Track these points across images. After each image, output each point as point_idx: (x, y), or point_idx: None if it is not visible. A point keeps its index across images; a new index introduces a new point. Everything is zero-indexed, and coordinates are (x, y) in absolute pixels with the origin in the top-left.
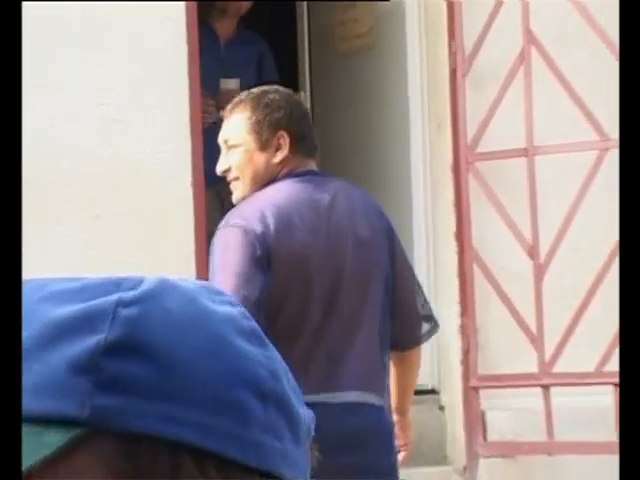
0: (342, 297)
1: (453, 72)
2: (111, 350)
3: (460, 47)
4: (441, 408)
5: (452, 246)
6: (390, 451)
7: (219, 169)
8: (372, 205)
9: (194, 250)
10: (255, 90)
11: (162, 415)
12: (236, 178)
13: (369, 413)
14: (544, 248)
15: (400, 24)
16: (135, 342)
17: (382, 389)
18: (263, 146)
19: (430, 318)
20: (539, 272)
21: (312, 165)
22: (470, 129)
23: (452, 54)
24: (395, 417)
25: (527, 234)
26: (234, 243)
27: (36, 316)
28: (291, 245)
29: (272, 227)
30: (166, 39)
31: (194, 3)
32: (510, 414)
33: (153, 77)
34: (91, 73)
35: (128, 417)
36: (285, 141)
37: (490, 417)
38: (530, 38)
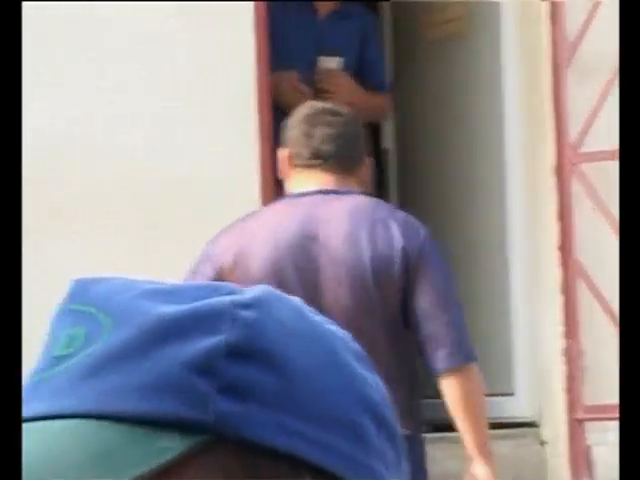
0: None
1: (555, 64)
2: (232, 353)
3: (563, 35)
4: (542, 443)
5: (554, 259)
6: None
7: None
8: (382, 225)
9: None
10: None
11: (285, 427)
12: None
13: None
14: None
15: (494, 9)
16: (255, 347)
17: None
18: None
19: (459, 348)
20: None
21: (318, 180)
22: (574, 127)
23: (553, 43)
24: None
25: None
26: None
27: (139, 312)
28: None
29: (230, 259)
30: (232, 38)
31: (262, 7)
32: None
33: (218, 78)
34: (155, 76)
35: (252, 426)
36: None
37: (597, 453)
38: None
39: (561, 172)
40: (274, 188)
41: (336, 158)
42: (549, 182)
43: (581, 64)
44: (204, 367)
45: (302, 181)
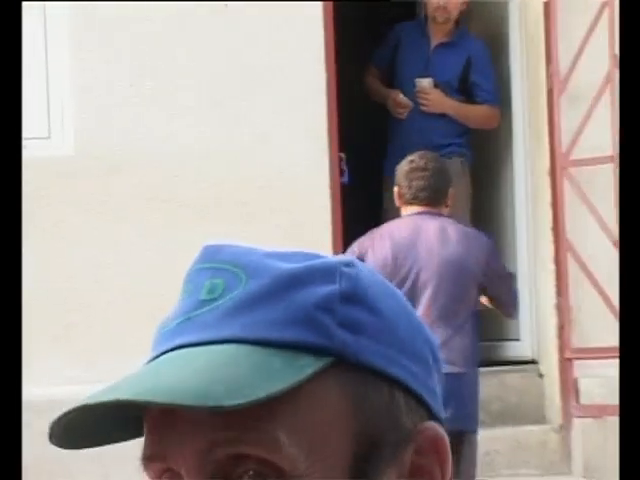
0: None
1: (550, 91)
2: (344, 298)
3: (556, 70)
4: (540, 376)
5: (549, 238)
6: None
7: None
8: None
9: (331, 244)
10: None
11: (386, 356)
12: None
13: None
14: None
15: (505, 49)
16: (359, 294)
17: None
18: None
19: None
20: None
21: (415, 209)
22: (565, 140)
23: (549, 76)
24: None
25: (614, 228)
26: None
27: (267, 268)
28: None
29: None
30: (305, 50)
31: (330, 7)
32: (600, 381)
33: (294, 92)
34: (248, 95)
35: (363, 353)
36: (397, 194)
37: (582, 384)
38: (615, 62)
39: (554, 174)
40: (340, 192)
41: (426, 198)
42: (546, 180)
43: (571, 91)
44: (326, 307)
45: (407, 209)
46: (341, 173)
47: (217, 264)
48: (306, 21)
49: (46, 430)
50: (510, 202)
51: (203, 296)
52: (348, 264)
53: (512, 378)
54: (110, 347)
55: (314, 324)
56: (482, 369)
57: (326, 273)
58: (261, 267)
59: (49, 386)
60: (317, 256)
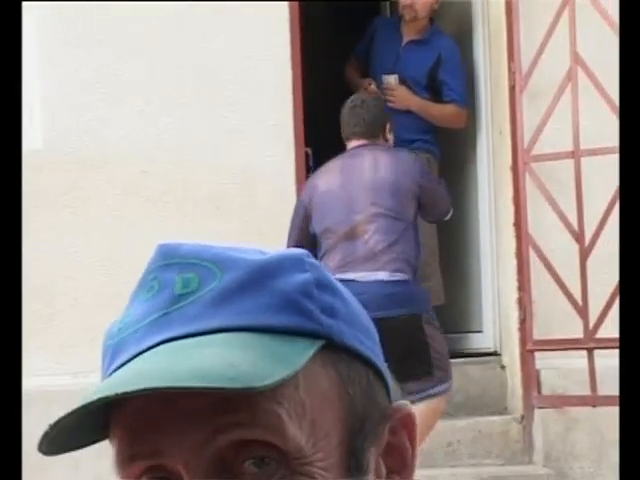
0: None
1: (512, 88)
2: (318, 285)
3: (518, 67)
4: (502, 367)
5: (511, 232)
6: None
7: None
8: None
9: None
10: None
11: (358, 339)
12: None
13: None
14: (588, 234)
15: (468, 47)
16: (327, 282)
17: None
18: None
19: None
20: (584, 254)
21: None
22: (526, 135)
23: (511, 73)
24: None
25: (574, 223)
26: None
27: (237, 260)
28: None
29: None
30: (271, 47)
31: (296, 7)
32: (560, 372)
33: (260, 89)
34: (215, 91)
35: (346, 336)
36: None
37: (543, 375)
38: (577, 59)
39: (516, 169)
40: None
41: (361, 132)
42: (508, 176)
43: (532, 88)
44: (306, 293)
45: (348, 145)
46: (307, 169)
47: (182, 260)
48: (272, 20)
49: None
50: (474, 197)
51: (179, 290)
52: (308, 255)
53: (474, 370)
54: (80, 341)
55: (300, 309)
56: None
57: (295, 262)
58: (231, 260)
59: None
60: (271, 250)
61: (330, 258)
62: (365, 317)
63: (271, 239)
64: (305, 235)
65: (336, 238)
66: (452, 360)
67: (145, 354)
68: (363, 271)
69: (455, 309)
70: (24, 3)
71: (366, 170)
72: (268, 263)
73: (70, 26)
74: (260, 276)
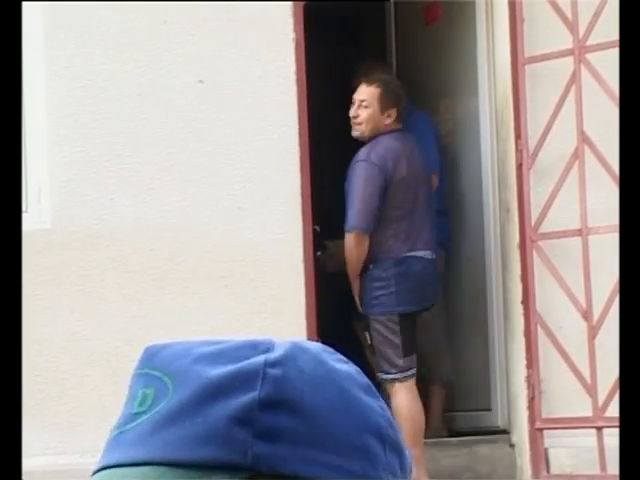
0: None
1: (519, 166)
2: (264, 405)
3: (525, 145)
4: (511, 446)
5: (519, 310)
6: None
7: (352, 113)
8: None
9: (305, 314)
10: (383, 76)
11: (310, 460)
12: (359, 124)
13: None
14: (597, 312)
15: (475, 126)
16: (283, 398)
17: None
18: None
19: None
20: (592, 332)
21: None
22: (534, 213)
23: (518, 151)
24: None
25: (582, 300)
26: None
27: (192, 376)
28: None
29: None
30: (280, 133)
31: (303, 70)
32: (570, 451)
33: (268, 165)
34: (223, 169)
35: (282, 462)
36: (393, 113)
37: (552, 454)
38: (584, 138)
39: (524, 247)
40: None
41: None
42: (515, 253)
43: (539, 166)
44: (242, 419)
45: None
46: (315, 247)
47: (151, 370)
48: (281, 97)
49: None
50: (482, 275)
51: (135, 409)
52: (276, 362)
53: (483, 448)
54: (87, 420)
55: (228, 440)
56: (453, 439)
57: (248, 378)
58: (187, 375)
59: (25, 457)
60: (252, 347)
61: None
62: (346, 423)
63: (280, 317)
64: (380, 205)
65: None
66: (461, 438)
67: (94, 477)
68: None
69: (464, 387)
70: (32, 79)
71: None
72: (217, 382)
73: (78, 108)
74: (204, 398)
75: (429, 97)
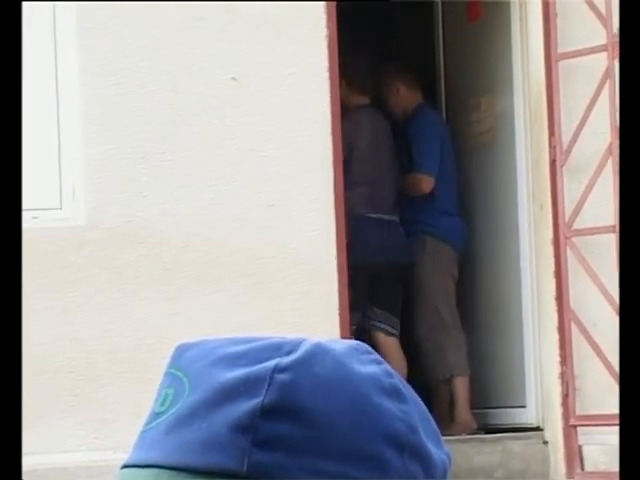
0: None
1: (553, 162)
2: (266, 413)
3: (558, 142)
4: (545, 443)
5: (553, 307)
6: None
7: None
8: None
9: (338, 312)
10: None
11: (307, 468)
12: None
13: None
14: None
15: (510, 123)
16: (287, 405)
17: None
18: None
19: None
20: None
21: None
22: (567, 209)
23: (552, 148)
24: None
25: (616, 297)
26: None
27: (206, 379)
28: None
29: None
30: (314, 129)
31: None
32: (603, 448)
33: (304, 171)
34: (255, 166)
35: (280, 472)
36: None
37: (586, 450)
38: (617, 134)
39: (557, 243)
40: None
41: None
42: (549, 250)
43: (572, 162)
44: (244, 426)
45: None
46: (348, 243)
47: (175, 370)
48: (312, 103)
49: None
50: (515, 272)
51: (157, 408)
52: (287, 367)
53: (517, 445)
54: (118, 415)
55: (227, 447)
56: (486, 436)
57: (255, 384)
58: (202, 378)
59: (60, 453)
60: (277, 349)
61: None
62: (355, 430)
63: (313, 314)
64: None
65: None
66: (494, 435)
67: (117, 474)
68: None
69: (497, 384)
70: (66, 77)
71: None
72: (227, 387)
73: (111, 105)
74: (211, 402)
75: (471, 94)
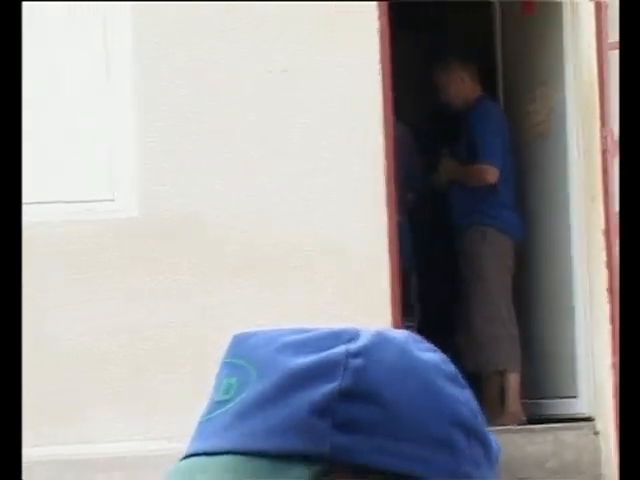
0: None
1: (604, 152)
2: (344, 396)
3: (610, 132)
4: (596, 433)
5: (605, 297)
6: None
7: None
8: None
9: (389, 303)
10: None
11: (387, 450)
12: None
13: None
14: None
15: (562, 113)
16: (363, 389)
17: None
18: None
19: None
20: None
21: None
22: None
23: (603, 138)
24: None
25: None
26: None
27: (276, 365)
28: None
29: None
30: (360, 110)
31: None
32: None
33: (355, 162)
34: (306, 157)
35: (362, 453)
36: None
37: None
38: None
39: (609, 234)
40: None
41: None
42: (601, 241)
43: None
44: (322, 409)
45: None
46: (400, 239)
47: (236, 359)
48: (362, 96)
49: None
50: (567, 263)
51: (219, 397)
52: (358, 353)
53: (568, 435)
54: (172, 405)
55: (307, 430)
56: (538, 426)
57: (329, 369)
58: (270, 364)
59: (106, 443)
60: (336, 337)
61: None
62: (427, 415)
63: (360, 308)
64: None
65: None
66: (546, 425)
67: (180, 464)
68: None
69: (549, 375)
70: (120, 70)
71: None
72: (299, 372)
73: (164, 100)
74: (285, 388)
75: (528, 86)
